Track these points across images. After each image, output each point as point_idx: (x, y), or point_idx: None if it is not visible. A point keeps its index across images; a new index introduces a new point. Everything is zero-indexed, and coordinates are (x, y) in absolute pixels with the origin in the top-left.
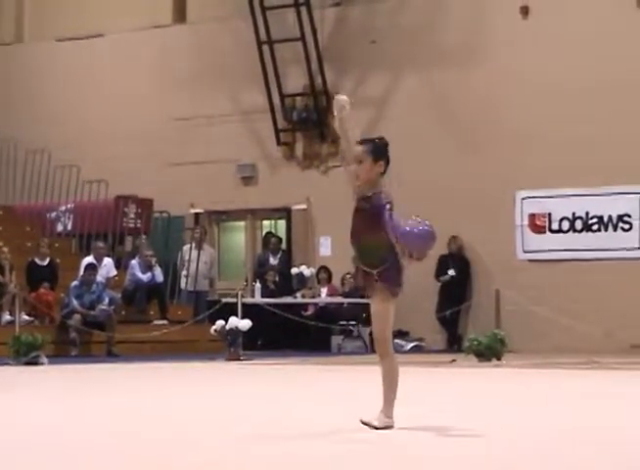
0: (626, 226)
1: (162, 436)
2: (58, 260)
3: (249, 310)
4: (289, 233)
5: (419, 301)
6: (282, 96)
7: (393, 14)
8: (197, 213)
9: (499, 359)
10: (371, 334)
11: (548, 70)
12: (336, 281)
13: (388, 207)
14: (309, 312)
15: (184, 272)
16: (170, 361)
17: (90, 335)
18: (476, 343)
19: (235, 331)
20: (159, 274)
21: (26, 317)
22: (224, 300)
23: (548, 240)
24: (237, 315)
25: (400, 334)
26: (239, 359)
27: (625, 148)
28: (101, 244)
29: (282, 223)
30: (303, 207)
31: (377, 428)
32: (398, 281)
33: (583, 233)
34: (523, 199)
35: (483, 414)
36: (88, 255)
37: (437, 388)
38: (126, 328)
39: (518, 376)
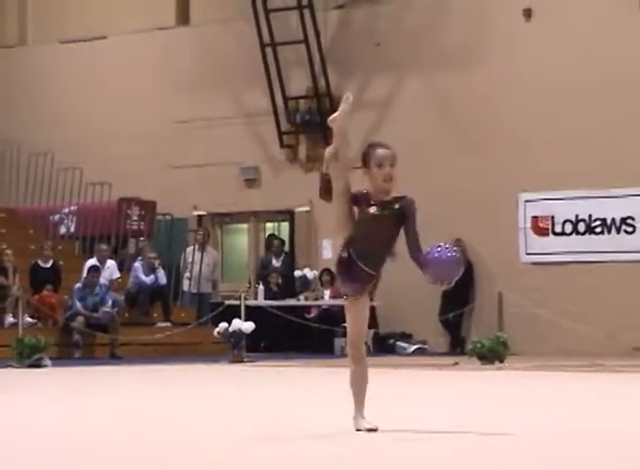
0: (629, 229)
1: (165, 437)
2: (61, 263)
3: (252, 313)
4: (292, 235)
5: (422, 303)
6: (285, 98)
7: (397, 16)
8: (200, 216)
9: (502, 362)
10: (375, 336)
11: (551, 72)
12: (338, 283)
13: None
14: (312, 315)
15: (187, 274)
16: (173, 364)
17: (93, 337)
18: (478, 345)
19: (238, 333)
20: (162, 276)
21: (30, 320)
22: (227, 302)
23: (551, 242)
24: (240, 318)
25: (403, 336)
26: (242, 362)
27: (628, 150)
28: (104, 246)
29: (285, 226)
30: (306, 209)
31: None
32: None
33: (586, 236)
34: (525, 201)
35: (486, 416)
36: (91, 257)
37: (440, 390)
38: (129, 330)
39: (520, 378)
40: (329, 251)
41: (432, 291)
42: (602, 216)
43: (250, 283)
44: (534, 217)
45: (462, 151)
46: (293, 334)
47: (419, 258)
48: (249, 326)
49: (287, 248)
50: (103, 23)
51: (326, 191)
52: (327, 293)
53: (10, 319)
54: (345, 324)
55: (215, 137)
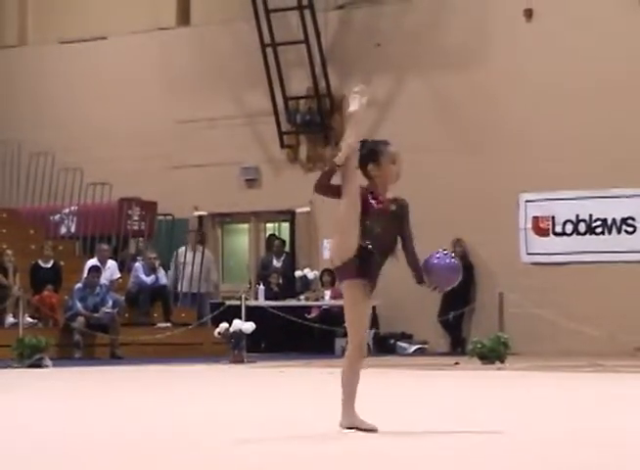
0: (630, 229)
1: (165, 437)
2: (62, 263)
3: (252, 313)
4: (292, 236)
5: (422, 303)
6: (285, 99)
7: (397, 16)
8: (200, 216)
9: (502, 362)
10: (375, 336)
11: (551, 72)
12: (339, 284)
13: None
14: (313, 315)
15: (170, 272)
16: (174, 364)
17: (94, 337)
18: (479, 345)
19: (239, 334)
20: (162, 277)
21: (30, 320)
22: (228, 302)
23: (552, 243)
24: (240, 318)
25: (404, 336)
26: (242, 362)
27: (629, 150)
28: (105, 246)
29: (286, 226)
30: (307, 209)
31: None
32: None
33: (587, 236)
34: (526, 201)
35: (486, 417)
36: (92, 257)
37: (440, 390)
38: (130, 330)
39: (521, 379)
40: (329, 251)
41: (432, 291)
42: (602, 217)
43: (250, 283)
44: (535, 218)
45: (462, 151)
46: (293, 334)
47: (416, 264)
48: (249, 326)
49: (287, 248)
50: (103, 24)
51: (328, 184)
52: (327, 293)
53: (10, 319)
54: (349, 323)
55: (216, 137)
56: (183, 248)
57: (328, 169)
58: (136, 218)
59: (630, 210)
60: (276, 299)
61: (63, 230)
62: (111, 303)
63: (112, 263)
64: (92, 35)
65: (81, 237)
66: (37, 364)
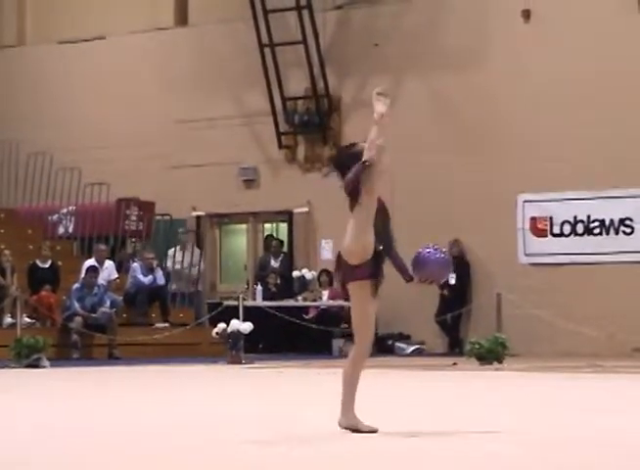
0: (628, 230)
1: (163, 437)
2: (59, 263)
3: (250, 313)
4: (290, 236)
5: (420, 304)
6: (284, 99)
7: (395, 17)
8: (198, 216)
9: (500, 363)
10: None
11: (550, 72)
12: (337, 284)
13: None
14: (311, 315)
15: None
16: (172, 364)
17: (91, 338)
18: (477, 346)
19: (236, 334)
20: (160, 277)
21: (28, 320)
22: (225, 302)
23: (549, 243)
24: (238, 318)
25: (402, 337)
26: (240, 362)
27: (627, 151)
28: (102, 246)
29: (283, 226)
30: (305, 210)
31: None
32: None
33: (585, 237)
34: (524, 202)
35: (484, 417)
36: (90, 257)
37: (438, 391)
38: (128, 331)
39: (519, 379)
40: (327, 251)
41: (430, 292)
42: (600, 217)
43: (248, 284)
44: (533, 218)
45: (460, 151)
46: (291, 335)
47: (402, 263)
48: (247, 327)
49: (285, 248)
50: (101, 24)
51: (359, 181)
52: (325, 293)
53: (8, 319)
54: (360, 322)
55: (214, 138)
56: (172, 250)
57: (360, 167)
58: (134, 219)
59: (628, 210)
60: (274, 299)
61: (60, 230)
62: (108, 303)
63: (109, 264)
64: (90, 35)
65: (79, 237)
66: (35, 364)
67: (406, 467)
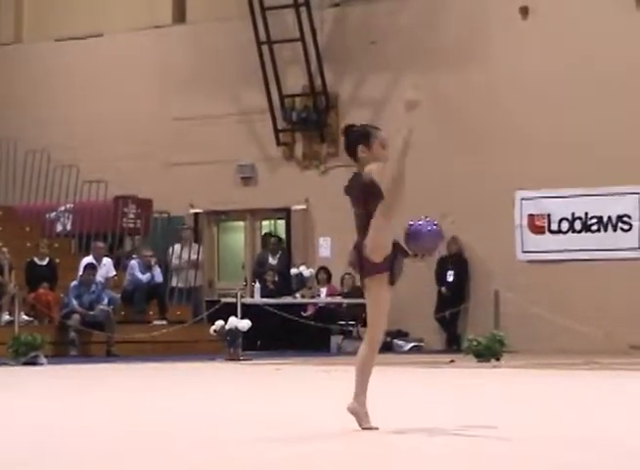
0: (626, 227)
1: (161, 435)
2: (57, 261)
3: (248, 311)
4: (288, 233)
5: (418, 301)
6: (281, 96)
7: (393, 14)
8: (196, 214)
9: (498, 360)
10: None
11: (547, 70)
12: (335, 281)
13: None
14: (309, 313)
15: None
16: (170, 362)
17: (89, 335)
18: (475, 343)
19: (234, 331)
20: (158, 274)
21: (26, 317)
22: (223, 300)
23: (547, 240)
24: (236, 315)
25: (400, 334)
26: (238, 360)
27: (625, 148)
28: (100, 244)
29: (281, 224)
30: (303, 207)
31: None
32: None
33: (583, 234)
34: (522, 199)
35: (482, 414)
36: (87, 255)
37: (436, 388)
38: (126, 328)
39: (516, 376)
40: (325, 248)
41: (428, 289)
42: (598, 214)
43: (246, 281)
44: (531, 215)
45: (458, 149)
46: (289, 332)
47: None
48: (245, 324)
49: (283, 246)
50: (99, 21)
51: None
52: (323, 291)
53: (6, 317)
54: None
55: (212, 135)
56: (170, 248)
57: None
58: (132, 216)
59: (626, 207)
60: (272, 296)
61: (58, 228)
62: (106, 300)
63: (107, 261)
64: (88, 33)
65: (77, 235)
66: (33, 362)
67: (405, 465)
